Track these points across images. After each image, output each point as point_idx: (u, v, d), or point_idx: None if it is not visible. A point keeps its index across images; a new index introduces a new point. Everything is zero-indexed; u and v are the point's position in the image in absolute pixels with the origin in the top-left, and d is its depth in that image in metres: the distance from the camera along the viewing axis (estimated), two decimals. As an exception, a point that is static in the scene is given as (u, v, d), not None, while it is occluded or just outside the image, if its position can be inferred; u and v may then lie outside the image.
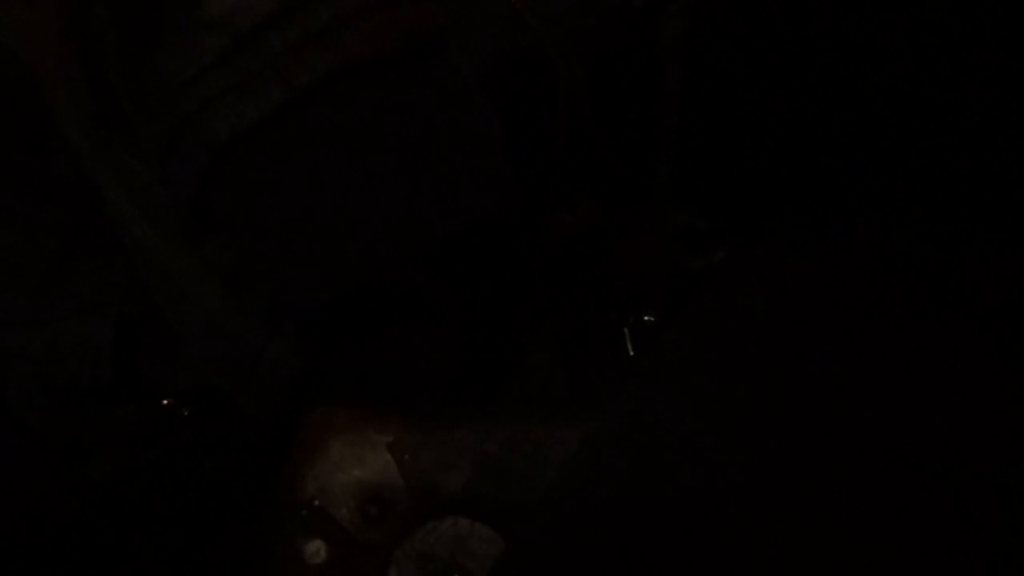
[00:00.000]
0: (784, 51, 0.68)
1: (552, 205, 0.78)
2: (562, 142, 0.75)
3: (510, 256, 0.79)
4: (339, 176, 0.74)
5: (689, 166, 0.72)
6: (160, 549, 0.73)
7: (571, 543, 0.57)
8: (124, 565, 0.73)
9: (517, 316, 0.80)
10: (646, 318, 0.76)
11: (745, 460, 0.56)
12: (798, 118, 0.69)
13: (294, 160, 0.74)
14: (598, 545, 0.56)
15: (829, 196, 0.70)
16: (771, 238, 0.68)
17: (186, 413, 0.75)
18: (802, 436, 0.56)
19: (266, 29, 0.71)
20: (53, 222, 0.76)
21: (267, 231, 0.76)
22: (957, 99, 0.66)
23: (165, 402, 0.75)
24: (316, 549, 0.66)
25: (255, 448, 0.76)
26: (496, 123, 0.74)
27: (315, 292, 0.76)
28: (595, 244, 0.79)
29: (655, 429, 0.59)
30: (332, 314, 0.77)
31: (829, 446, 0.55)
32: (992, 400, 0.55)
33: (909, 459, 0.54)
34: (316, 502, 0.67)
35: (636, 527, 0.56)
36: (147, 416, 0.76)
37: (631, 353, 0.76)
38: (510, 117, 0.74)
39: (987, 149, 0.67)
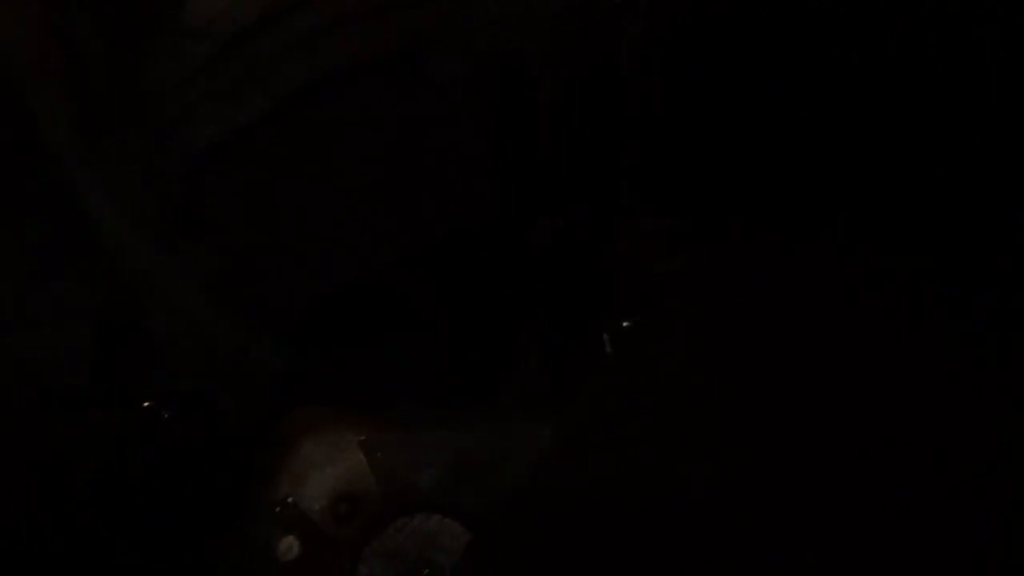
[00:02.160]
0: (748, 53, 0.68)
1: (534, 210, 0.79)
2: (543, 147, 0.76)
3: (493, 261, 0.79)
4: (321, 181, 0.75)
5: (659, 166, 0.72)
6: (141, 549, 0.73)
7: (541, 537, 0.57)
8: (105, 563, 0.73)
9: (500, 321, 0.80)
10: (625, 324, 0.77)
11: (716, 459, 0.56)
12: (765, 118, 0.70)
13: (277, 165, 0.75)
14: (567, 540, 0.56)
15: (800, 196, 0.70)
16: (744, 240, 0.68)
17: (167, 416, 0.75)
18: (775, 435, 0.56)
19: (248, 37, 0.72)
20: (35, 226, 0.76)
21: (250, 235, 0.76)
22: (929, 96, 0.66)
23: (146, 404, 0.75)
24: (289, 545, 0.67)
25: (237, 450, 0.76)
26: (478, 129, 0.74)
27: (297, 296, 0.77)
28: (578, 248, 0.79)
29: (627, 427, 0.60)
30: (315, 318, 0.78)
31: (800, 445, 0.56)
32: (969, 403, 0.55)
33: (882, 459, 0.54)
34: (290, 499, 0.67)
35: (605, 523, 0.56)
36: (128, 419, 0.76)
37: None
38: (491, 123, 0.74)
39: (974, 152, 0.67)
